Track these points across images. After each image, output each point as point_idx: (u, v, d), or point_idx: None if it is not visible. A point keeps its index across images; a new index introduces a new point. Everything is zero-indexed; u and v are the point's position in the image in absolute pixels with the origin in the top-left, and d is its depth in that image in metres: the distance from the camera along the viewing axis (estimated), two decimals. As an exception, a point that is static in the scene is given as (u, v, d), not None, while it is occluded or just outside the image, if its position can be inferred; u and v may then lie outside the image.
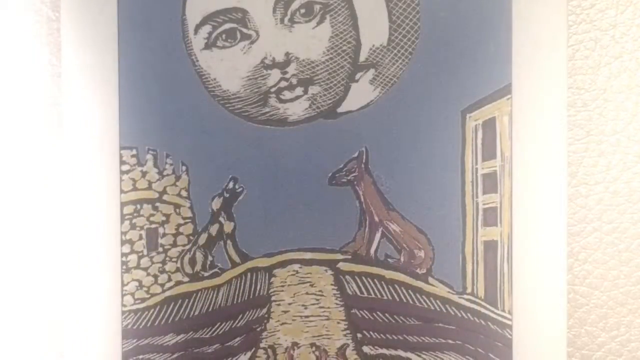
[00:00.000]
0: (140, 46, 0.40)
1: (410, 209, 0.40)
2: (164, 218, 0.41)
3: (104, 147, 0.40)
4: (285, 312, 0.41)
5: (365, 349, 0.40)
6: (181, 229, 0.41)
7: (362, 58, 0.40)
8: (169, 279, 0.41)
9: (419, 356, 0.40)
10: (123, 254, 0.40)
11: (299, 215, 0.40)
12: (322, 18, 0.40)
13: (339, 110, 0.40)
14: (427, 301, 0.40)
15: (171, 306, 0.41)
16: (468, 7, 0.40)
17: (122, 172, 0.40)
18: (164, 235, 0.41)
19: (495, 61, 0.40)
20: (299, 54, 0.40)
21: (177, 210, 0.41)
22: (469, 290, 0.40)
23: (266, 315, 0.41)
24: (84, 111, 0.40)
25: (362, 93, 0.40)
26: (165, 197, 0.41)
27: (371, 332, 0.41)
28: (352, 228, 0.40)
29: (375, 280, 0.40)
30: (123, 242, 0.40)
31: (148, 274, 0.41)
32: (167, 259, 0.41)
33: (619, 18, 0.41)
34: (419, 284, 0.40)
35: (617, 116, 0.41)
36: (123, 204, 0.41)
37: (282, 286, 0.41)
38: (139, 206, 0.41)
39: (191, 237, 0.41)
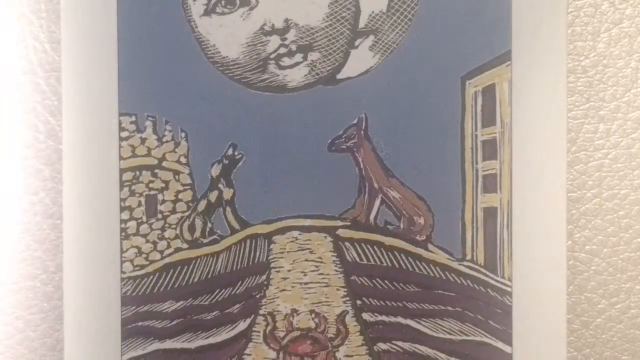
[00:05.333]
0: (139, 12, 0.40)
1: (410, 176, 0.40)
2: (163, 185, 0.41)
3: (103, 113, 0.40)
4: (284, 279, 0.41)
5: (365, 315, 0.40)
6: (180, 196, 0.41)
7: (361, 24, 0.40)
8: (168, 246, 0.41)
9: (419, 323, 0.40)
10: (122, 221, 0.40)
11: (298, 181, 0.40)
12: (321, -16, 0.40)
13: (339, 76, 0.40)
14: (427, 268, 0.40)
15: (170, 273, 0.41)
16: (468, -27, 0.40)
17: (121, 139, 0.40)
18: (163, 201, 0.41)
19: (495, 27, 0.40)
20: (299, 20, 0.40)
21: (177, 176, 0.41)
22: (468, 257, 0.40)
23: (265, 282, 0.41)
24: (83, 77, 0.40)
25: (361, 59, 0.40)
26: (164, 164, 0.41)
27: (370, 299, 0.40)
28: (351, 195, 0.40)
29: (374, 247, 0.40)
30: (122, 209, 0.40)
31: (147, 241, 0.40)
32: (167, 225, 0.41)
33: (619, -16, 0.41)
34: (419, 250, 0.40)
35: (617, 82, 0.41)
36: (122, 171, 0.40)
37: (282, 253, 0.40)
38: (138, 173, 0.41)
39: (190, 204, 0.41)
